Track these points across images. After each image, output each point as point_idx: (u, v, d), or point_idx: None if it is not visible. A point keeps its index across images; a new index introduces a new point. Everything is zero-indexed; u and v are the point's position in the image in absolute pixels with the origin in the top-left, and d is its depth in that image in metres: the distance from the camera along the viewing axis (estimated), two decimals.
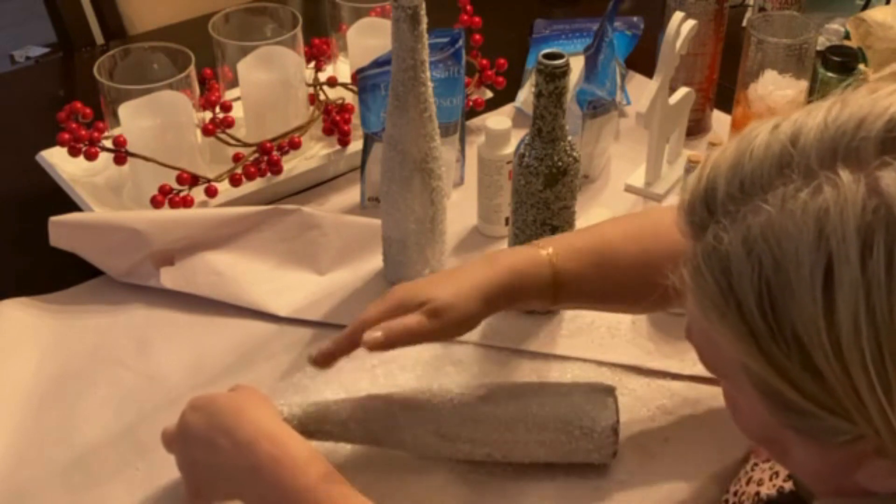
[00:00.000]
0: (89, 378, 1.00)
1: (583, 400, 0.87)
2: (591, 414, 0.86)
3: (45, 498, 0.89)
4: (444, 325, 0.84)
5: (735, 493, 0.84)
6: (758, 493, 0.80)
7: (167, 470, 0.90)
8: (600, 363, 1.00)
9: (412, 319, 0.83)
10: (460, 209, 1.18)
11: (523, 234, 1.02)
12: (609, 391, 0.89)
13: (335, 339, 0.87)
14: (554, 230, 1.01)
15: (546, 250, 0.89)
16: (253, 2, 1.32)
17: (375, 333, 0.82)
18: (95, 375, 1.00)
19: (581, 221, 1.06)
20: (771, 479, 0.80)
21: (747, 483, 0.83)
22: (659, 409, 0.96)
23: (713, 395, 0.95)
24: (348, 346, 0.86)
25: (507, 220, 1.12)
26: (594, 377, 0.98)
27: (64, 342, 1.04)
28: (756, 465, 0.83)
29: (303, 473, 0.77)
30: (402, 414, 0.87)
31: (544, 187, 0.99)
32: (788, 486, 0.78)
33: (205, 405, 0.84)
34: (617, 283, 0.90)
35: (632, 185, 1.24)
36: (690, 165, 1.18)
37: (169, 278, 1.08)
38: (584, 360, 1.01)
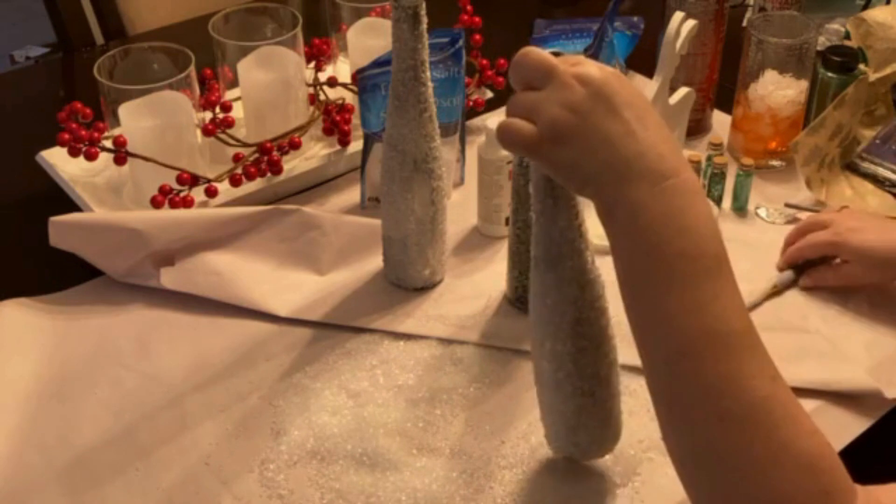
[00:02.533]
0: (89, 378, 1.00)
1: None
2: None
3: (45, 498, 0.89)
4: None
5: None
6: None
7: (167, 470, 0.91)
8: None
9: None
10: (460, 209, 1.18)
11: (523, 234, 1.02)
12: None
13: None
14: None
15: None
16: (253, 2, 1.32)
17: None
18: (95, 376, 1.00)
19: None
20: None
21: None
22: None
23: None
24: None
25: (507, 220, 1.12)
26: None
27: (64, 342, 1.04)
28: None
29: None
30: None
31: None
32: None
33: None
34: None
35: None
36: (691, 165, 1.18)
37: (169, 278, 1.08)
38: None
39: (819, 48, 1.30)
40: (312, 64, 1.31)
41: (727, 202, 1.20)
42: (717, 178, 1.18)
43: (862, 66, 1.25)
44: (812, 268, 1.09)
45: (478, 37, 1.32)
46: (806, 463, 0.63)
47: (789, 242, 1.11)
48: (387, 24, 0.98)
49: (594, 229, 0.82)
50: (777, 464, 0.63)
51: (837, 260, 1.08)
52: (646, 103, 0.70)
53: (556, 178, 0.73)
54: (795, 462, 0.63)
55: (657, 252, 0.66)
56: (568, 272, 0.78)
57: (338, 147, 1.25)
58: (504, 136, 0.71)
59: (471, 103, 1.29)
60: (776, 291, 1.08)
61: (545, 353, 0.82)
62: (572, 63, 0.70)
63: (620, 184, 0.67)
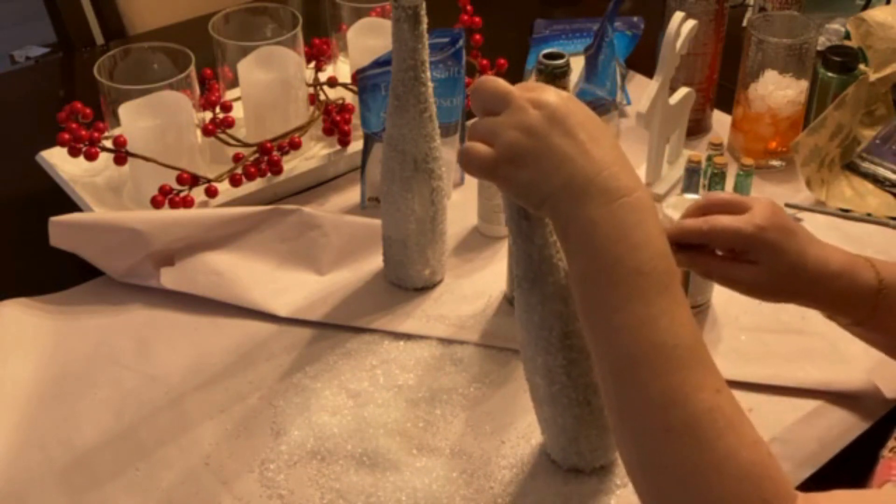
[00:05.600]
0: (89, 378, 1.00)
1: None
2: None
3: (45, 498, 0.89)
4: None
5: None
6: None
7: (167, 470, 0.91)
8: None
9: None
10: (460, 209, 1.18)
11: None
12: None
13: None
14: None
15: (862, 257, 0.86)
16: (253, 2, 1.32)
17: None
18: (95, 376, 1.00)
19: None
20: None
21: None
22: None
23: None
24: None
25: None
26: None
27: (64, 342, 1.04)
28: None
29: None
30: None
31: None
32: None
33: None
34: None
35: None
36: (691, 165, 1.18)
37: (169, 278, 1.08)
38: None
39: (819, 48, 1.30)
40: (312, 64, 1.31)
41: None
42: (717, 178, 1.18)
43: (862, 66, 1.25)
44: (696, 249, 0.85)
45: (478, 37, 1.32)
46: (747, 472, 0.65)
47: (688, 215, 0.87)
48: (387, 24, 0.98)
49: None
50: (719, 473, 0.65)
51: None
52: (600, 124, 0.73)
53: (515, 198, 0.76)
54: (737, 471, 0.65)
55: (611, 268, 0.69)
56: (550, 288, 0.80)
57: (338, 147, 1.25)
58: (464, 159, 0.74)
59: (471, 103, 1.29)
60: None
61: (538, 368, 0.84)
62: (528, 89, 0.73)
63: (575, 202, 0.70)
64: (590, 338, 0.71)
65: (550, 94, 0.72)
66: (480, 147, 0.73)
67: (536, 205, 0.73)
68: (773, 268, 0.83)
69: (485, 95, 0.74)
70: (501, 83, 0.74)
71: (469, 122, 0.76)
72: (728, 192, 0.96)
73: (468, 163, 0.74)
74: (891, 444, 0.79)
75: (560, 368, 0.82)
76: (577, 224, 0.70)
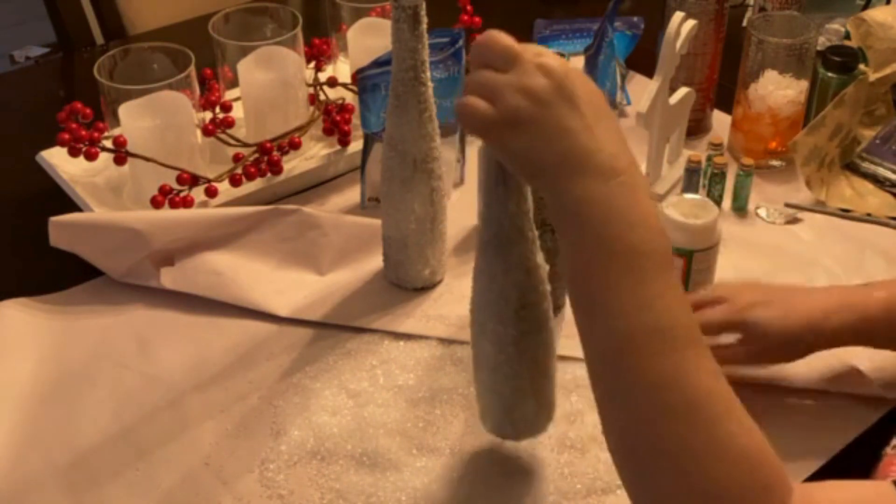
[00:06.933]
0: (89, 378, 1.00)
1: None
2: None
3: (45, 498, 0.89)
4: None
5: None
6: None
7: (167, 470, 0.91)
8: None
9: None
10: (460, 209, 1.18)
11: None
12: None
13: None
14: (554, 230, 1.01)
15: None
16: (253, 2, 1.32)
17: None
18: (95, 376, 1.00)
19: None
20: None
21: None
22: None
23: None
24: None
25: None
26: None
27: (64, 342, 1.04)
28: None
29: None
30: None
31: None
32: None
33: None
34: None
35: None
36: (691, 165, 1.18)
37: (169, 278, 1.08)
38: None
39: (819, 48, 1.30)
40: (312, 64, 1.31)
41: (727, 202, 1.20)
42: (717, 178, 1.18)
43: (862, 66, 1.25)
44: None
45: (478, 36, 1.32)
46: (746, 458, 0.64)
47: None
48: (387, 24, 0.98)
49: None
50: (718, 458, 0.63)
51: (732, 339, 0.94)
52: (603, 101, 0.70)
53: (509, 164, 0.73)
54: (736, 456, 0.63)
55: (608, 247, 0.67)
56: (515, 258, 0.79)
57: (338, 147, 1.25)
58: (462, 113, 0.70)
59: None
60: None
61: (487, 334, 0.83)
62: (538, 53, 0.70)
63: (574, 177, 0.67)
64: (581, 317, 0.69)
65: (559, 63, 0.69)
66: (480, 104, 0.69)
67: (531, 175, 0.70)
68: (764, 342, 0.91)
69: (492, 50, 0.70)
70: (511, 41, 0.70)
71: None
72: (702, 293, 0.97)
73: (466, 118, 0.70)
74: (894, 441, 0.78)
75: (510, 339, 0.82)
76: (572, 199, 0.68)
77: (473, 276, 0.82)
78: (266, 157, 1.20)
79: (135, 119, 1.14)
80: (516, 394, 0.86)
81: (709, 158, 1.19)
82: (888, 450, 0.78)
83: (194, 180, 1.15)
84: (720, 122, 1.35)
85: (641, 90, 1.20)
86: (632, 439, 0.66)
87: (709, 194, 1.18)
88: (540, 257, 0.80)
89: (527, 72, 0.69)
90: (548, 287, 0.82)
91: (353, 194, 1.23)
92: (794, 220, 1.19)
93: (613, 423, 0.68)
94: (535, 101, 0.68)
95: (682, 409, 0.64)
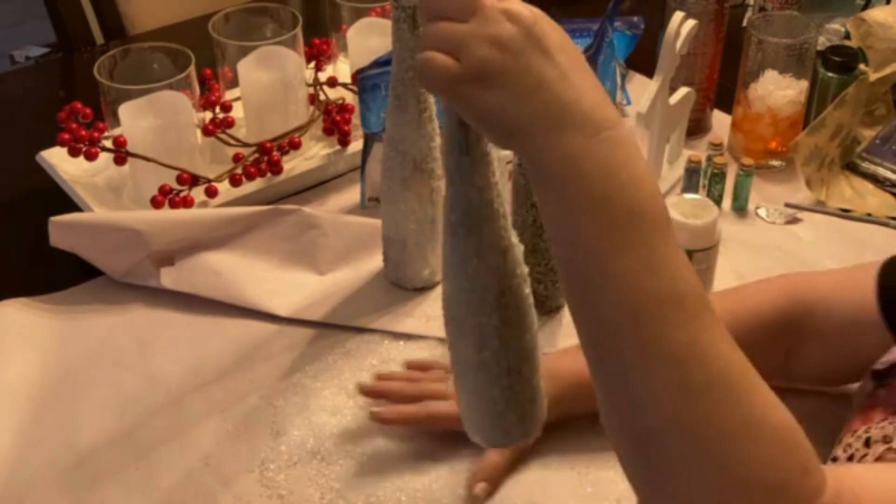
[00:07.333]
0: (89, 379, 1.00)
1: None
2: None
3: (45, 498, 0.89)
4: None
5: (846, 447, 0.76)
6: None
7: (167, 470, 0.91)
8: None
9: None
10: None
11: (523, 234, 1.02)
12: None
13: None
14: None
15: None
16: (253, 2, 1.32)
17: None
18: (95, 376, 1.00)
19: None
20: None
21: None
22: None
23: None
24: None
25: None
26: None
27: (64, 343, 1.04)
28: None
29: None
30: None
31: None
32: None
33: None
34: None
35: None
36: (691, 165, 1.18)
37: (169, 278, 1.08)
38: None
39: (819, 48, 1.30)
40: (312, 64, 1.31)
41: (727, 202, 1.20)
42: (717, 178, 1.18)
43: (862, 66, 1.25)
44: None
45: None
46: (781, 436, 0.57)
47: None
48: (387, 24, 0.98)
49: None
50: (749, 436, 0.57)
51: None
52: (576, 48, 0.64)
53: (478, 125, 0.63)
54: (771, 434, 0.57)
55: (602, 209, 0.59)
56: (488, 237, 0.69)
57: (338, 147, 1.25)
58: (424, 71, 0.61)
59: None
60: None
61: (466, 332, 0.73)
62: None
63: (554, 133, 0.59)
64: (580, 295, 0.61)
65: (525, 8, 0.62)
66: (442, 59, 0.60)
67: (505, 135, 0.61)
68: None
69: None
70: None
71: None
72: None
73: (428, 77, 0.61)
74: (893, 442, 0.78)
75: (493, 330, 0.71)
76: (558, 159, 0.60)
77: (443, 269, 0.72)
78: (266, 157, 1.20)
79: (135, 119, 1.14)
80: (506, 395, 0.75)
81: (709, 158, 1.19)
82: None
83: (194, 180, 1.15)
84: (720, 122, 1.35)
85: (641, 90, 1.20)
86: (648, 422, 0.59)
87: (709, 194, 1.18)
88: (514, 236, 0.72)
89: (491, 19, 0.61)
90: (525, 269, 0.72)
91: (353, 194, 1.23)
92: (794, 220, 1.19)
93: (623, 406, 0.60)
94: (504, 50, 0.60)
95: (704, 384, 0.57)
